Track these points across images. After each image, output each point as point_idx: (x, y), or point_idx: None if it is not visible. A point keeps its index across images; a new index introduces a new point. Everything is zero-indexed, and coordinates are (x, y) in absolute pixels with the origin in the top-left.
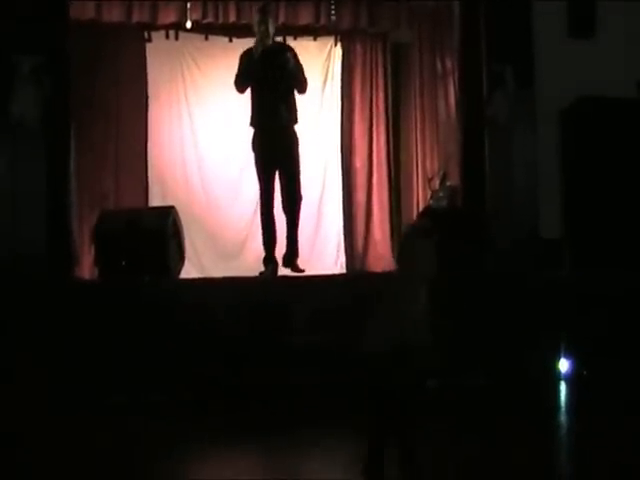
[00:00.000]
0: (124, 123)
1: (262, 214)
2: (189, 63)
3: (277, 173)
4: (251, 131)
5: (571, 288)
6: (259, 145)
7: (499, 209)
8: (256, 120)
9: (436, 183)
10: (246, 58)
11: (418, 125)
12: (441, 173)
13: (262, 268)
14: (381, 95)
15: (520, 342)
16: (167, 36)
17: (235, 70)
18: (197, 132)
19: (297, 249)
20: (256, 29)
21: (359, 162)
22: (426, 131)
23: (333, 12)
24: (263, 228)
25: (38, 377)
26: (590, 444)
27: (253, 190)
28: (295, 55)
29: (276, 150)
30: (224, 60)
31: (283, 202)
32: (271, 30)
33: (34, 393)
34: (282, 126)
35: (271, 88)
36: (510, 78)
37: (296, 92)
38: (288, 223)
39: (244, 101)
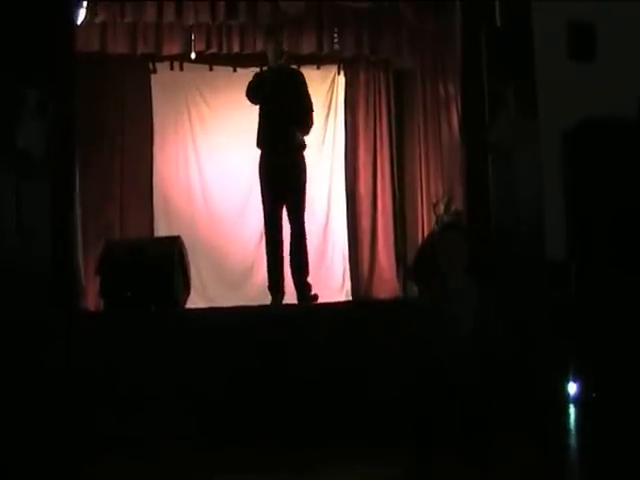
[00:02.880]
0: (129, 154)
1: (267, 243)
2: (194, 93)
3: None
4: (256, 156)
5: (578, 309)
6: (266, 170)
7: (504, 232)
8: (263, 140)
9: (441, 208)
10: (259, 75)
11: (422, 151)
12: (446, 198)
13: (269, 296)
14: (385, 122)
15: (527, 365)
16: (172, 67)
17: (241, 100)
18: (202, 162)
19: (307, 275)
20: (268, 50)
21: (363, 189)
22: (430, 157)
23: (336, 40)
24: (269, 257)
25: (41, 409)
26: (599, 468)
27: (258, 217)
28: (306, 86)
29: (283, 178)
30: (229, 90)
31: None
32: (282, 50)
33: (35, 425)
34: (290, 150)
35: (280, 107)
36: (512, 100)
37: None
38: (295, 261)
39: (249, 131)
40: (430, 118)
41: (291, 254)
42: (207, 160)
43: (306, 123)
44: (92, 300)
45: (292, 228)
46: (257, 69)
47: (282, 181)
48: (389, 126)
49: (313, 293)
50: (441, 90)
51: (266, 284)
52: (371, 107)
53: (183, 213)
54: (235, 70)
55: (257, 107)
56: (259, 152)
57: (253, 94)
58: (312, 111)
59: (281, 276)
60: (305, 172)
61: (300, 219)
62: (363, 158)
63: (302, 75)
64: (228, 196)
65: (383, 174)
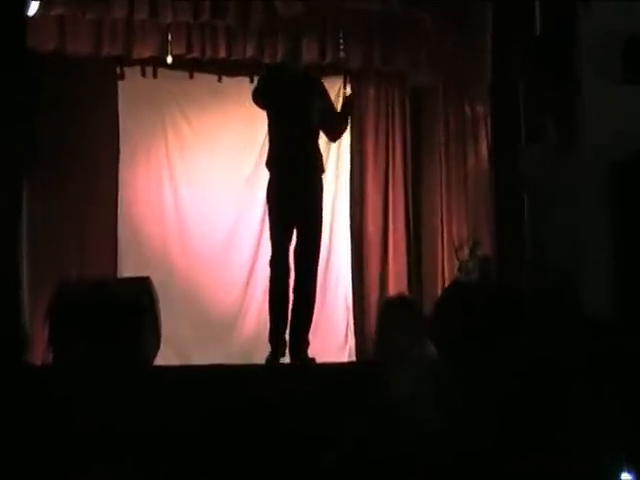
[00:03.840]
0: (90, 177)
1: (272, 282)
2: (170, 105)
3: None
4: (246, 184)
5: (628, 377)
6: (277, 194)
7: (539, 283)
8: (276, 158)
9: (465, 253)
10: (271, 71)
11: (443, 183)
12: (471, 241)
13: (258, 352)
14: (399, 147)
15: (576, 452)
16: (143, 73)
17: (228, 115)
18: (179, 189)
19: (308, 331)
20: (284, 47)
21: (372, 226)
22: (453, 190)
23: (342, 47)
24: (271, 298)
25: None
26: None
27: (244, 257)
28: (329, 95)
29: (299, 205)
30: (212, 102)
31: (296, 273)
32: (301, 52)
33: None
34: (309, 171)
35: (300, 118)
36: (553, 126)
37: (326, 137)
38: (297, 298)
39: (237, 153)
40: (454, 144)
41: (295, 300)
42: (185, 186)
43: (337, 132)
44: (41, 352)
45: (300, 266)
46: (246, 79)
47: (297, 210)
48: (404, 152)
49: (310, 357)
50: (467, 111)
51: (254, 337)
52: (382, 128)
53: (155, 250)
54: (220, 79)
55: (249, 122)
56: (268, 174)
57: (265, 95)
58: (344, 116)
59: (287, 326)
60: (322, 199)
61: (313, 256)
62: (372, 189)
63: (321, 81)
64: (210, 231)
65: (396, 209)
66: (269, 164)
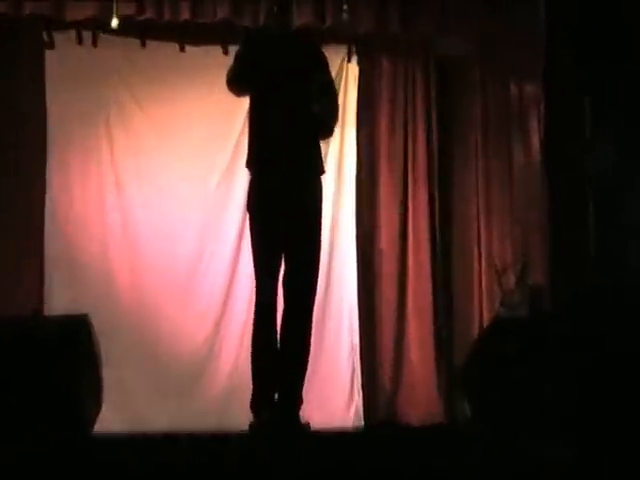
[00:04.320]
0: (8, 179)
1: (257, 325)
2: (115, 83)
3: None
4: (217, 188)
5: None
6: (261, 203)
7: (607, 315)
8: (258, 154)
9: (511, 280)
10: (252, 39)
11: (480, 186)
12: (519, 264)
13: (233, 411)
14: (421, 138)
15: None
16: (79, 40)
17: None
18: (127, 196)
19: (302, 387)
20: (269, 5)
21: (385, 244)
22: (493, 195)
23: (345, 7)
24: (256, 347)
25: None
26: None
27: (215, 286)
28: (328, 65)
29: (288, 216)
30: (172, 80)
31: (285, 305)
32: (292, 8)
33: None
34: (304, 169)
35: (292, 102)
36: (622, 115)
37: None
38: (288, 344)
39: (205, 148)
40: (494, 136)
41: (284, 346)
42: (136, 191)
43: (329, 125)
44: None
45: (292, 301)
46: (217, 48)
47: (287, 224)
48: (427, 144)
49: (304, 421)
50: (513, 90)
51: (227, 391)
52: (399, 114)
53: (95, 276)
54: (183, 49)
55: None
56: (249, 175)
57: (245, 75)
58: (337, 105)
59: (275, 382)
60: (321, 208)
61: (309, 287)
62: (385, 194)
63: (321, 50)
64: (169, 250)
65: (417, 222)
66: (250, 163)
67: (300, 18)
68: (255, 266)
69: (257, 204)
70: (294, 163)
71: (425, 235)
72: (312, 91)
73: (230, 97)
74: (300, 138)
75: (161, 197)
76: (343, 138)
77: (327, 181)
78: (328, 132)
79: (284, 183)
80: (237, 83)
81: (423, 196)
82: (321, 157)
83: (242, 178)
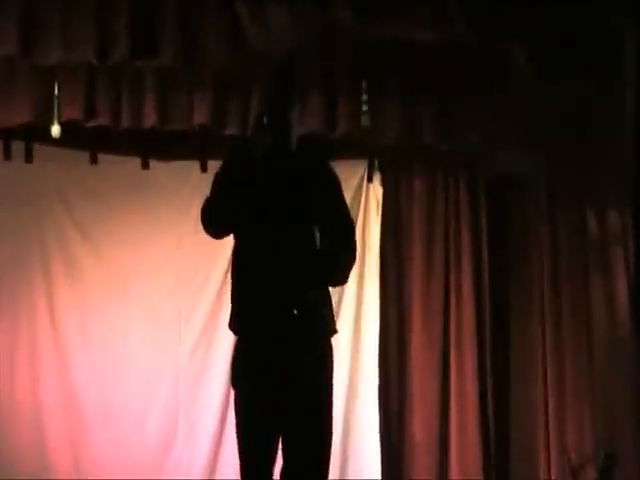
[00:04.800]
0: None
1: None
2: (55, 209)
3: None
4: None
5: None
6: (251, 370)
7: None
8: (245, 312)
9: (590, 477)
10: (238, 156)
11: (548, 345)
12: (601, 455)
13: None
14: (466, 282)
15: None
16: (6, 153)
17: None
18: (70, 365)
19: None
20: (262, 108)
21: (419, 429)
22: (565, 359)
23: (365, 109)
24: None
25: None
26: None
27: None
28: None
29: (285, 391)
30: (132, 205)
31: None
32: (293, 117)
33: None
34: (305, 336)
35: (289, 240)
36: None
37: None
38: None
39: (175, 295)
40: (566, 278)
41: None
42: (81, 361)
43: (342, 274)
44: None
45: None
46: (193, 163)
47: (285, 398)
48: (475, 290)
49: None
50: (590, 223)
51: None
52: (436, 249)
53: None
54: (146, 165)
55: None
56: (234, 337)
57: (222, 217)
58: (354, 245)
59: None
60: (330, 383)
61: (320, 469)
62: (418, 362)
63: (331, 169)
64: (130, 431)
65: (462, 389)
66: (234, 325)
67: (304, 125)
68: (241, 457)
69: (244, 377)
70: (292, 325)
71: (474, 411)
72: (318, 228)
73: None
74: (300, 293)
75: (116, 367)
76: (362, 281)
77: (341, 340)
78: (341, 281)
79: (279, 353)
80: (213, 227)
81: (469, 355)
82: (331, 313)
83: (224, 341)
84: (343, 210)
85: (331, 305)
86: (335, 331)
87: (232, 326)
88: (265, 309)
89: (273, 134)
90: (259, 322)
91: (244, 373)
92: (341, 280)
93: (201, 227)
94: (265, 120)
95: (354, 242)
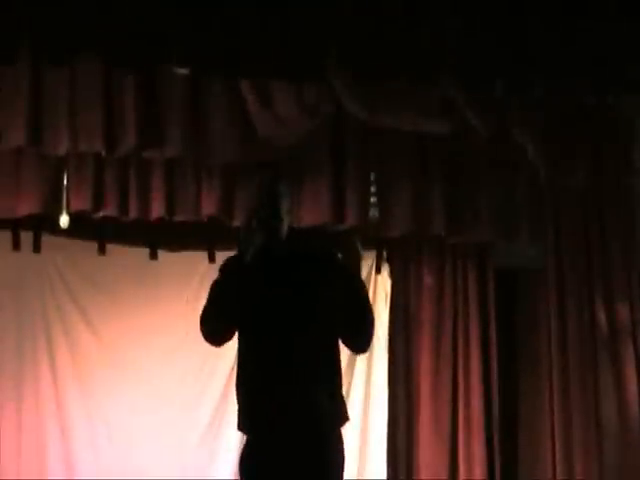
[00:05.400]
0: None
1: None
2: (62, 300)
3: None
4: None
5: None
6: (262, 473)
7: None
8: (254, 414)
9: None
10: (235, 270)
11: (557, 439)
12: None
13: None
14: (475, 375)
15: None
16: (16, 243)
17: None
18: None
19: None
20: (265, 203)
21: None
22: (574, 449)
23: (374, 201)
24: None
25: None
26: None
27: None
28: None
29: None
30: (140, 296)
31: None
32: (284, 211)
33: None
34: (317, 429)
35: (290, 341)
36: None
37: (347, 347)
38: None
39: (179, 397)
40: (577, 382)
41: None
42: (86, 447)
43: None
44: None
45: None
46: (201, 254)
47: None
48: (484, 385)
49: None
50: (599, 316)
51: None
52: (446, 340)
53: None
54: (154, 255)
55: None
56: (240, 439)
57: (221, 329)
58: (372, 321)
59: None
60: (343, 464)
61: None
62: (426, 451)
63: (341, 266)
64: None
65: (471, 471)
66: (243, 424)
67: (313, 217)
68: None
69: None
70: (304, 418)
71: None
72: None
73: None
74: (310, 385)
75: (120, 458)
76: (370, 372)
77: (354, 406)
78: (361, 350)
79: (295, 446)
80: (210, 335)
81: (477, 452)
82: (342, 403)
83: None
84: (359, 286)
85: (341, 397)
86: (347, 419)
87: (242, 426)
88: (278, 398)
89: (265, 231)
90: (273, 415)
91: (253, 474)
92: (365, 348)
93: None
94: (254, 222)
95: (371, 314)
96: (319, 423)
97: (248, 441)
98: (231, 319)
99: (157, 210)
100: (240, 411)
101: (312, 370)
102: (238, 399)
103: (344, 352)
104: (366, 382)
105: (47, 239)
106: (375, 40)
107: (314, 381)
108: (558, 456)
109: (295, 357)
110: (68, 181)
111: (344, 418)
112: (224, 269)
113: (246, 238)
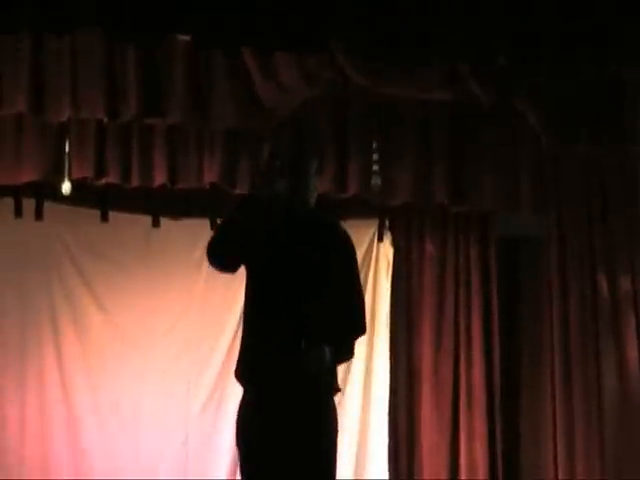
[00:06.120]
0: None
1: None
2: (65, 268)
3: None
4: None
5: None
6: (258, 421)
7: None
8: (256, 361)
9: None
10: (249, 205)
11: (559, 411)
12: None
13: None
14: (477, 353)
15: None
16: (18, 210)
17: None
18: (79, 427)
19: None
20: (269, 168)
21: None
22: (575, 428)
23: (376, 169)
24: None
25: None
26: None
27: None
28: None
29: (295, 436)
30: (143, 262)
31: None
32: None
33: None
34: (312, 385)
35: (297, 290)
36: None
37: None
38: None
39: (186, 352)
40: (580, 363)
41: None
42: (90, 420)
43: (354, 328)
44: None
45: None
46: (203, 221)
47: (293, 443)
48: (486, 360)
49: None
50: (601, 288)
51: None
52: (448, 312)
53: None
54: (157, 222)
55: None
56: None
57: (230, 246)
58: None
59: None
60: (335, 431)
61: None
62: (428, 434)
63: (350, 240)
64: None
65: (472, 450)
66: (242, 373)
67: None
68: None
69: (250, 435)
70: (305, 368)
71: (482, 464)
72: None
73: (220, 289)
74: (315, 340)
75: (125, 428)
76: (372, 344)
77: (350, 404)
78: (347, 357)
79: (292, 396)
80: (218, 257)
81: (479, 428)
82: (335, 375)
83: (232, 403)
84: (355, 287)
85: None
86: (337, 389)
87: (240, 375)
88: (274, 352)
89: (287, 177)
90: (275, 365)
91: (253, 427)
92: (347, 357)
93: (211, 280)
94: (278, 162)
95: (363, 311)
96: (318, 381)
97: (245, 394)
98: (239, 253)
99: (159, 177)
100: (240, 360)
101: (313, 327)
102: (240, 348)
103: None
104: (367, 351)
105: (49, 206)
106: (378, 9)
107: (317, 338)
108: (559, 424)
109: (301, 313)
110: (70, 148)
111: (336, 386)
112: (242, 206)
113: (265, 177)
